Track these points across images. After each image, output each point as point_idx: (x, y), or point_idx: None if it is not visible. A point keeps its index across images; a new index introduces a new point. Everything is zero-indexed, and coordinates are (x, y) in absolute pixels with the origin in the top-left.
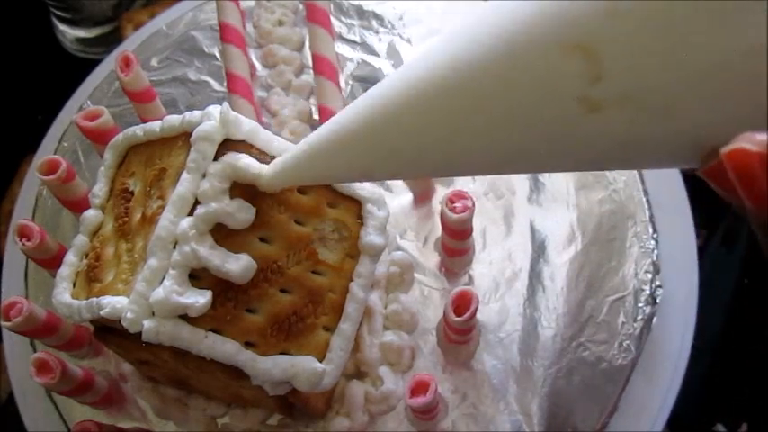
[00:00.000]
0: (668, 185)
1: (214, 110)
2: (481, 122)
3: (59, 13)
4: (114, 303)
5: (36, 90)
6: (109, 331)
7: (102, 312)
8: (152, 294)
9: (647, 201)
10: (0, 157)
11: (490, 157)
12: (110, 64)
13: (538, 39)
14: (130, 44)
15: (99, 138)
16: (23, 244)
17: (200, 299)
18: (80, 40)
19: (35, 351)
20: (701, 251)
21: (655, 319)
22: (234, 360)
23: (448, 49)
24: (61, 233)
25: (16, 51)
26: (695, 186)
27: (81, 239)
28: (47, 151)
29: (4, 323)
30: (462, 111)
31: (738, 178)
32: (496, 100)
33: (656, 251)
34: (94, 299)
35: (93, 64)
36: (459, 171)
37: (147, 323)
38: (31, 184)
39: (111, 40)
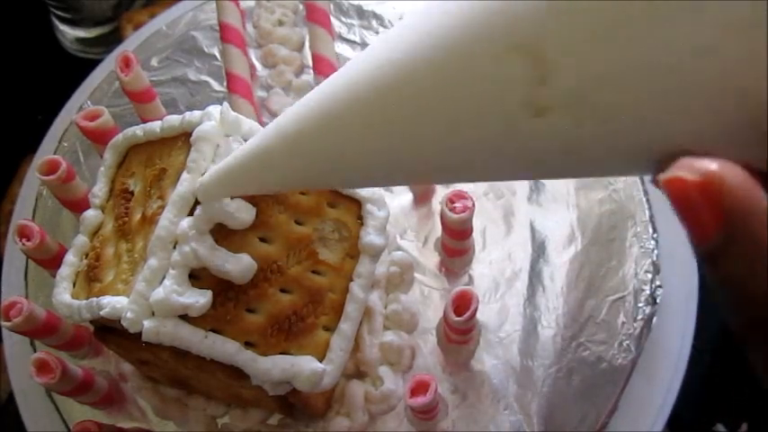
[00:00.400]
0: None
1: (214, 110)
2: (420, 128)
3: (59, 13)
4: (114, 303)
5: (36, 90)
6: (109, 331)
7: (102, 312)
8: (152, 294)
9: (647, 201)
10: (0, 157)
11: (431, 165)
12: (110, 64)
13: (479, 39)
14: (130, 44)
15: (99, 138)
16: (23, 244)
17: (200, 299)
18: (80, 40)
19: (35, 351)
20: None
21: (655, 319)
22: (234, 360)
23: (385, 51)
24: (61, 233)
25: (16, 51)
26: None
27: (81, 239)
28: (47, 151)
29: (4, 323)
30: (400, 116)
31: (677, 206)
32: (437, 104)
33: (656, 251)
34: (94, 299)
35: (93, 64)
36: (396, 180)
37: (147, 323)
38: (31, 184)
39: (111, 40)
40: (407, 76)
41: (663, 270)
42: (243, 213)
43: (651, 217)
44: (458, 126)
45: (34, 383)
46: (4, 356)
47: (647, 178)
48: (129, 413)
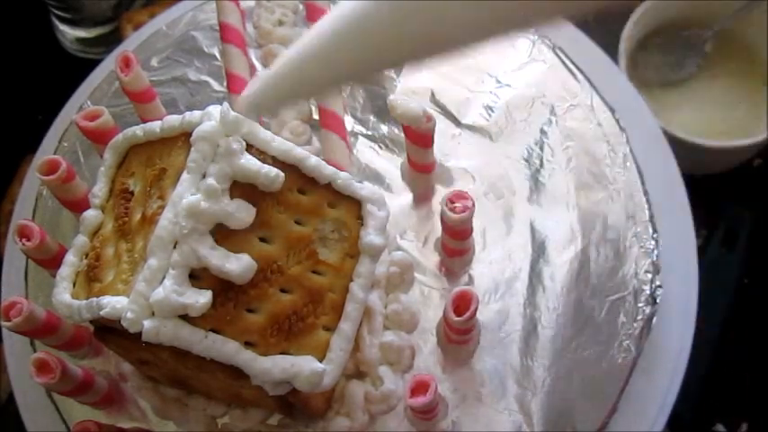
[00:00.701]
0: (668, 185)
1: (214, 110)
2: None
3: (59, 13)
4: (114, 303)
5: (36, 90)
6: (109, 331)
7: (102, 312)
8: (152, 294)
9: (647, 201)
10: (0, 157)
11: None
12: (110, 64)
13: None
14: (130, 44)
15: (99, 138)
16: (23, 244)
17: (200, 299)
18: (80, 40)
19: (35, 351)
20: (701, 251)
21: (655, 319)
22: (234, 360)
23: None
24: (61, 233)
25: (16, 51)
26: (695, 186)
27: (81, 239)
28: (47, 151)
29: (4, 323)
30: None
31: None
32: None
33: (656, 251)
34: (94, 299)
35: (93, 64)
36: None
37: (147, 323)
38: (31, 184)
39: (111, 40)
40: None
41: (663, 270)
42: (243, 213)
43: (651, 217)
44: None
45: (34, 383)
46: (4, 356)
47: (648, 178)
48: (129, 413)
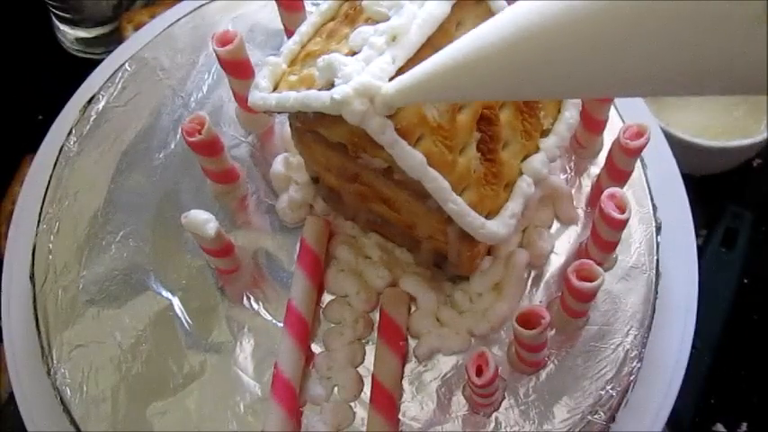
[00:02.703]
0: (668, 185)
1: None
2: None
3: (59, 13)
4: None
5: (36, 90)
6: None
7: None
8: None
9: (648, 200)
10: (0, 157)
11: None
12: (110, 64)
13: None
14: (131, 44)
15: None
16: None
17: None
18: (80, 40)
19: (35, 351)
20: (701, 251)
21: (655, 319)
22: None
23: None
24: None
25: (16, 51)
26: (695, 186)
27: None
28: (47, 151)
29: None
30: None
31: None
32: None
33: (656, 251)
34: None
35: (93, 64)
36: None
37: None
38: (32, 184)
39: (111, 40)
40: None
41: (663, 270)
42: None
43: (652, 216)
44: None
45: (34, 383)
46: (4, 356)
47: (648, 178)
48: None
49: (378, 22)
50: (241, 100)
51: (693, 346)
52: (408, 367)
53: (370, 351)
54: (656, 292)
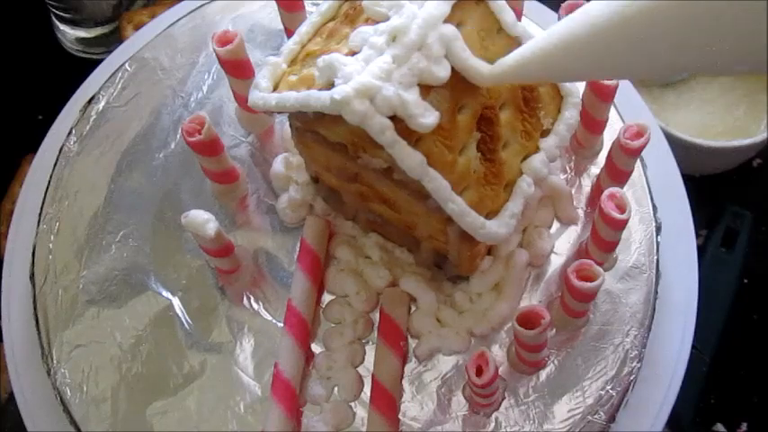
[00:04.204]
0: (668, 185)
1: None
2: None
3: (59, 13)
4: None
5: (36, 90)
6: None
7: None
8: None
9: (648, 200)
10: (0, 157)
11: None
12: (110, 64)
13: None
14: (131, 44)
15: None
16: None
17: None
18: (80, 40)
19: (37, 350)
20: (701, 251)
21: (655, 319)
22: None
23: None
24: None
25: (16, 51)
26: (695, 186)
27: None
28: (47, 151)
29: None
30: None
31: None
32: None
33: (656, 251)
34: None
35: (93, 64)
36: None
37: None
38: (32, 184)
39: (112, 40)
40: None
41: (663, 270)
42: None
43: (652, 216)
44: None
45: (34, 383)
46: (4, 356)
47: (648, 178)
48: None
49: (378, 22)
50: (241, 100)
51: (693, 346)
52: (408, 367)
53: (370, 351)
54: (656, 292)
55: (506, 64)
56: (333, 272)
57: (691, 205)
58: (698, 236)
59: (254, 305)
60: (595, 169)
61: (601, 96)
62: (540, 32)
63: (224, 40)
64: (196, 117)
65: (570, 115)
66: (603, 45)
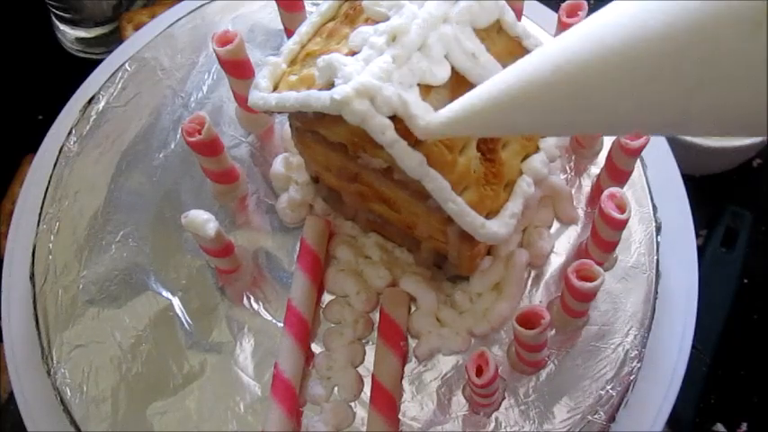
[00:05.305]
0: (668, 185)
1: None
2: (658, 88)
3: (59, 13)
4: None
5: (36, 90)
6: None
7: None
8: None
9: (649, 200)
10: (0, 157)
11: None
12: (110, 64)
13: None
14: (131, 44)
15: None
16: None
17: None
18: (80, 40)
19: (35, 351)
20: (701, 251)
21: (655, 320)
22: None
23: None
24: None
25: (16, 51)
26: (695, 186)
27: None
28: (47, 151)
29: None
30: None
31: None
32: (676, 69)
33: (656, 251)
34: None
35: (93, 64)
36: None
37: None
38: (32, 184)
39: (112, 40)
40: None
41: (663, 270)
42: None
43: (652, 216)
44: (701, 85)
45: (34, 383)
46: (4, 356)
47: (648, 178)
48: None
49: (378, 22)
50: (241, 100)
51: (693, 346)
52: (408, 367)
53: (370, 351)
54: (656, 292)
55: (439, 120)
56: (333, 272)
57: (691, 205)
58: (698, 236)
59: (254, 305)
60: (595, 169)
61: None
62: (482, 86)
63: (224, 40)
64: (196, 117)
65: None
66: (541, 101)
